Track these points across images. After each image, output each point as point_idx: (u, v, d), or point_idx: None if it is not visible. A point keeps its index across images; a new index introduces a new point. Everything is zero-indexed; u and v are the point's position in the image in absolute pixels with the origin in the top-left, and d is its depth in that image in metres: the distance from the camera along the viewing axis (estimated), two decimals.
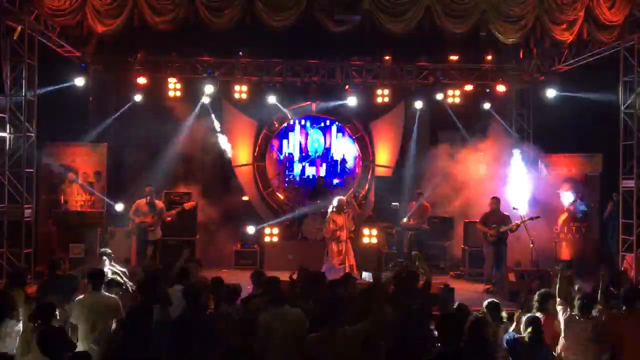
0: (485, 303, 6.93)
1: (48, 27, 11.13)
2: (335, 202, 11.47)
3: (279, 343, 5.96)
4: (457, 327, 4.94)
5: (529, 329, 5.90)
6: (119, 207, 13.12)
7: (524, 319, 6.14)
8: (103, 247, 11.81)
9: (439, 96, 14.72)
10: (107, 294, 7.03)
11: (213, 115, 15.03)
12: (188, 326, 6.13)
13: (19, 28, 10.28)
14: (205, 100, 14.64)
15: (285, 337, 5.97)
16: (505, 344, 5.98)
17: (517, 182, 13.97)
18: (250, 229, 13.84)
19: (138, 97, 14.20)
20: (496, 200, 12.16)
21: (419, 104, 15.10)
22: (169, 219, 12.12)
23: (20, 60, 10.48)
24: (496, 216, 11.99)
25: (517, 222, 11.80)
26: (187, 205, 12.34)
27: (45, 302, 6.54)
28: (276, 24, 10.28)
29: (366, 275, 11.12)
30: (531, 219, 12.00)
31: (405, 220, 13.15)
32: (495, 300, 7.08)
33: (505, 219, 11.91)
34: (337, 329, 5.61)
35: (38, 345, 6.15)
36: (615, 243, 12.07)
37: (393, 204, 14.12)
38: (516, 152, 14.40)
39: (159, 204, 12.09)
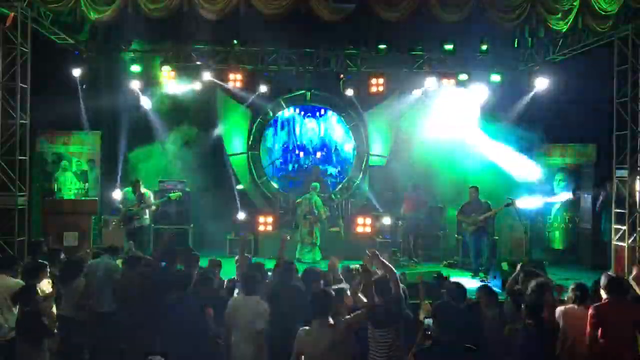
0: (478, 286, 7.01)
1: (41, 14, 11.05)
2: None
3: (240, 330, 6.21)
4: (452, 315, 4.95)
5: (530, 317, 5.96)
6: (115, 195, 13.14)
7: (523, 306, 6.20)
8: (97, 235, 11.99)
9: (434, 85, 14.70)
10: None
11: (207, 104, 15.03)
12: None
13: (12, 15, 10.19)
14: (199, 88, 14.60)
15: (245, 326, 6.19)
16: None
17: (512, 172, 14.02)
18: (240, 215, 13.86)
19: (132, 85, 14.15)
20: (474, 189, 12.28)
21: (413, 93, 15.10)
22: (154, 207, 12.21)
23: (13, 47, 10.39)
24: (475, 205, 12.10)
25: (494, 210, 12.09)
26: (173, 196, 12.38)
27: (26, 285, 6.56)
28: (271, 12, 10.21)
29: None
30: (507, 205, 12.17)
31: (402, 211, 13.24)
32: (486, 284, 7.14)
33: (485, 207, 12.00)
34: (328, 321, 5.64)
35: (16, 328, 6.19)
36: (608, 232, 12.12)
37: (387, 193, 14.17)
38: (510, 142, 14.43)
39: (146, 193, 12.16)
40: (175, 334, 6.24)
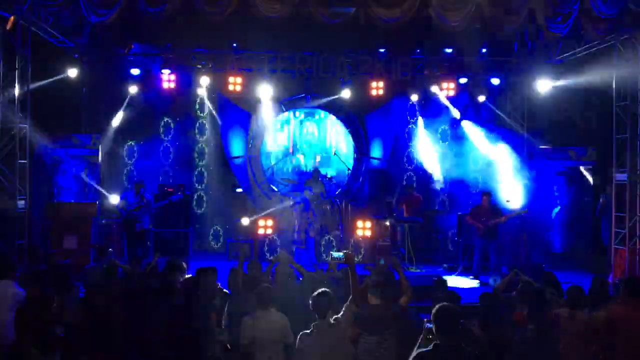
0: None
1: (41, 17, 11.05)
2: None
3: (265, 346, 6.04)
4: (453, 319, 4.91)
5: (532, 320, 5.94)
6: (113, 199, 13.13)
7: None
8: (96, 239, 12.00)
9: (434, 89, 14.71)
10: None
11: (207, 107, 15.04)
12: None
13: (12, 18, 10.20)
14: (200, 92, 14.61)
15: (270, 341, 6.05)
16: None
17: (511, 175, 14.01)
18: (245, 221, 13.82)
19: (132, 89, 14.15)
20: (487, 195, 12.25)
21: (413, 97, 15.11)
22: (154, 211, 12.28)
23: (13, 51, 10.40)
24: (487, 210, 12.07)
25: (505, 215, 12.09)
26: (174, 198, 12.43)
27: (42, 294, 6.54)
28: (271, 16, 10.24)
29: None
30: (519, 212, 12.14)
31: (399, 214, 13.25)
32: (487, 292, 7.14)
33: (496, 212, 11.99)
34: (327, 320, 5.65)
35: (31, 337, 6.17)
36: (608, 236, 12.11)
37: (387, 197, 14.17)
38: (510, 145, 14.42)
39: (146, 196, 12.22)
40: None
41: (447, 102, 14.86)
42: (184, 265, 8.15)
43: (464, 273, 12.78)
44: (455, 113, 14.90)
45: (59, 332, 6.40)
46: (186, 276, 7.71)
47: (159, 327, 6.54)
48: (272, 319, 6.15)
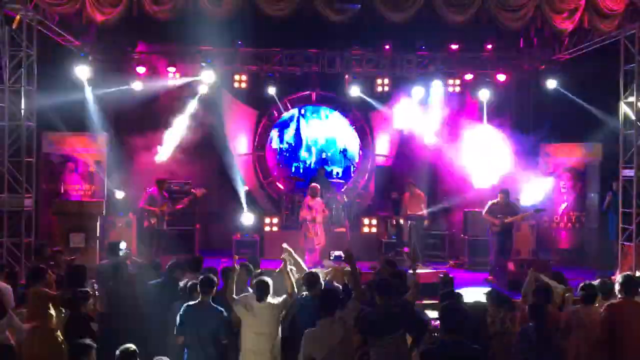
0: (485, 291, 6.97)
1: (47, 16, 11.08)
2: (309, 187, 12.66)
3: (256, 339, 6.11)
4: (459, 317, 4.92)
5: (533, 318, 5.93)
6: (119, 195, 13.18)
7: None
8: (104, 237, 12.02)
9: (439, 85, 14.68)
10: None
11: (212, 105, 15.04)
12: None
13: (18, 17, 10.24)
14: (205, 89, 14.62)
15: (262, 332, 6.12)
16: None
17: (517, 172, 13.97)
18: (250, 219, 13.83)
19: (137, 86, 14.17)
20: (504, 192, 12.18)
21: (419, 93, 15.07)
22: (180, 206, 12.31)
23: (20, 50, 10.44)
24: (503, 207, 12.01)
25: (522, 214, 12.03)
26: (199, 193, 12.48)
27: (77, 290, 6.56)
28: (276, 13, 10.24)
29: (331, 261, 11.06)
30: (536, 211, 12.10)
31: (403, 211, 13.23)
32: (494, 288, 7.12)
33: (513, 210, 11.96)
34: (334, 317, 5.64)
35: (64, 333, 6.17)
36: (615, 232, 12.07)
37: (393, 193, 14.16)
38: (515, 142, 14.38)
39: (166, 194, 12.31)
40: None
41: (445, 101, 14.81)
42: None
43: (470, 270, 12.79)
44: (447, 112, 14.83)
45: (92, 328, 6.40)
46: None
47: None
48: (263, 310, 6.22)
